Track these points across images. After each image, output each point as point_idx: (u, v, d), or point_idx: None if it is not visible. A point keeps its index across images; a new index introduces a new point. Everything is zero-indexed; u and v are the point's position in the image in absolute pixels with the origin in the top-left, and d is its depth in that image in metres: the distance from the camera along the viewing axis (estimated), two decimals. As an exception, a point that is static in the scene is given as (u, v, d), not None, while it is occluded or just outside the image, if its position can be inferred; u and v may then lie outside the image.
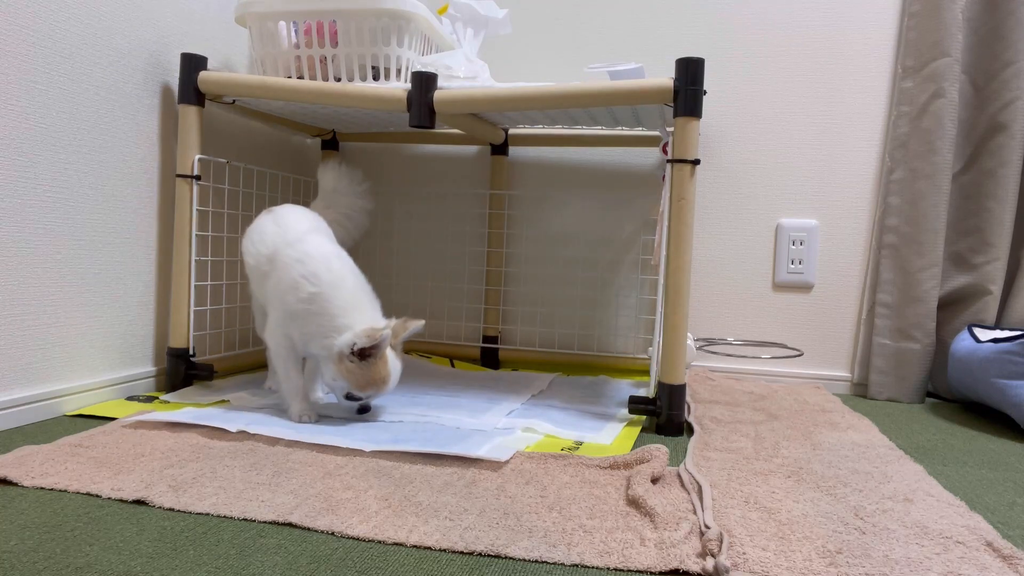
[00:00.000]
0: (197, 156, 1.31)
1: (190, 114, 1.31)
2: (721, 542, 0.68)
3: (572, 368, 1.67)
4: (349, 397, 1.11)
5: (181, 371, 1.30)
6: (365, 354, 1.06)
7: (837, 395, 1.56)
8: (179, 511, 0.76)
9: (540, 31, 1.73)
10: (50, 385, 1.13)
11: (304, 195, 1.73)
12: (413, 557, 0.68)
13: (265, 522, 0.74)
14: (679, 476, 0.92)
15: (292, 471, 0.88)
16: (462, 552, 0.69)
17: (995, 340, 1.34)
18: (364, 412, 1.15)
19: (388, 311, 1.16)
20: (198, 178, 1.31)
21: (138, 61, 1.27)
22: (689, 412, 1.25)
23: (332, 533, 0.72)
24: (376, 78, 1.35)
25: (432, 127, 1.27)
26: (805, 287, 1.65)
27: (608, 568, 0.67)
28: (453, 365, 1.69)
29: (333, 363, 1.07)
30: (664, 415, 1.16)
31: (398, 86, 1.29)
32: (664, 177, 1.19)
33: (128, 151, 1.26)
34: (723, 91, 1.64)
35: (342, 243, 1.24)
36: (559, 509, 0.79)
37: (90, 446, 0.95)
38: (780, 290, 1.66)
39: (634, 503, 0.80)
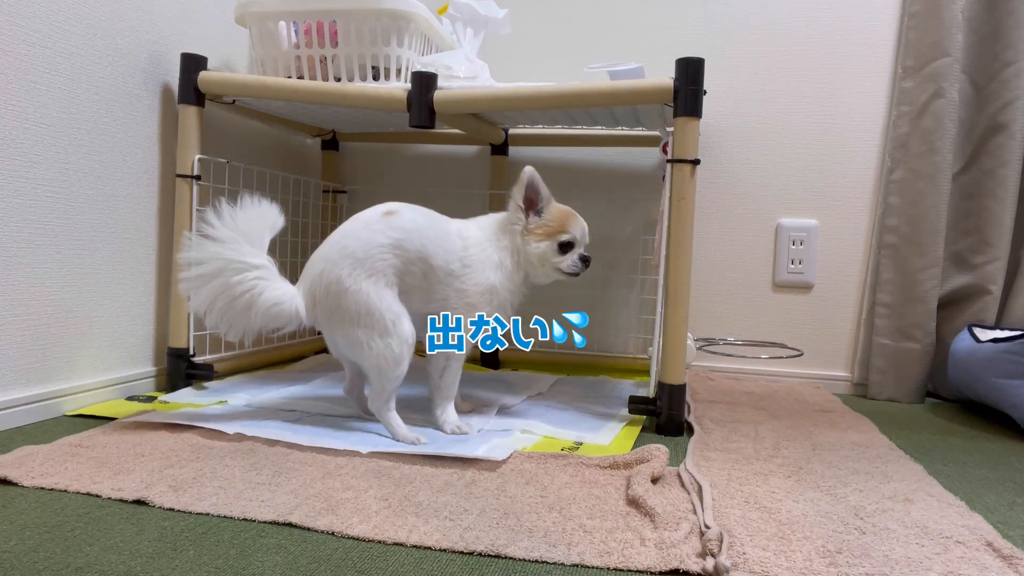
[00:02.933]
0: (197, 156, 1.31)
1: (190, 114, 1.31)
2: (721, 542, 0.68)
3: (572, 368, 1.67)
4: (564, 248, 1.15)
5: (181, 371, 1.30)
6: (534, 206, 1.14)
7: (837, 395, 1.56)
8: (179, 511, 0.76)
9: (540, 31, 1.73)
10: (50, 385, 1.13)
11: (304, 195, 1.73)
12: (413, 557, 0.68)
13: (265, 522, 0.74)
14: (679, 476, 0.92)
15: (292, 471, 0.88)
16: (462, 552, 0.69)
17: (995, 340, 1.34)
18: (587, 264, 1.17)
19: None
20: (198, 178, 1.31)
21: (138, 61, 1.27)
22: (689, 412, 1.25)
23: (332, 533, 0.72)
24: (376, 78, 1.35)
25: (432, 127, 1.27)
26: (805, 287, 1.65)
27: (608, 568, 0.67)
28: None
29: (531, 246, 1.13)
30: (664, 415, 1.16)
31: (398, 86, 1.29)
32: (664, 177, 1.19)
33: (128, 151, 1.26)
34: (723, 91, 1.64)
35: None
36: (559, 509, 0.79)
37: (90, 446, 0.95)
38: (780, 290, 1.66)
39: (634, 503, 0.80)
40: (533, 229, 1.14)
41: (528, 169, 1.13)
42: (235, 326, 1.01)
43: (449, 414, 1.10)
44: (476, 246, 1.12)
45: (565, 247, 1.15)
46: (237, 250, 0.99)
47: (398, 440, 1.03)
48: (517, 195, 1.14)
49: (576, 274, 1.17)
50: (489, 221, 1.17)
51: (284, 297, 1.02)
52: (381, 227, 1.05)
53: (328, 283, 1.03)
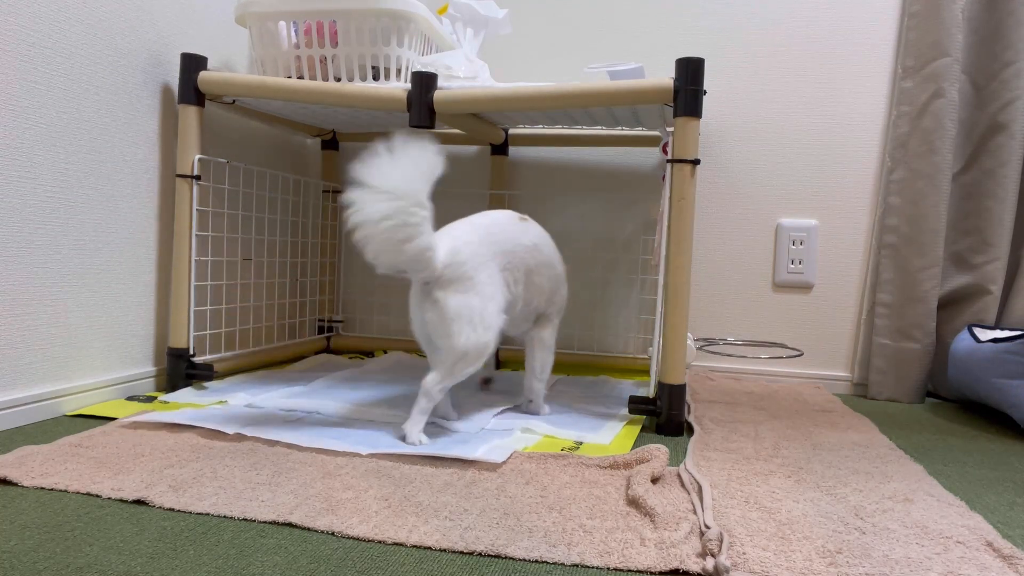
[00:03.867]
0: (197, 156, 1.31)
1: (190, 114, 1.31)
2: (721, 542, 0.68)
3: (572, 368, 1.67)
4: None
5: (181, 371, 1.30)
6: None
7: (837, 395, 1.56)
8: (179, 511, 0.76)
9: (540, 31, 1.73)
10: (50, 385, 1.13)
11: (304, 195, 1.73)
12: (413, 557, 0.68)
13: (265, 522, 0.74)
14: (679, 476, 0.92)
15: (292, 471, 0.88)
16: (462, 552, 0.69)
17: (995, 340, 1.34)
18: None
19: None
20: (198, 178, 1.31)
21: (138, 61, 1.27)
22: (689, 412, 1.25)
23: (332, 533, 0.72)
24: (376, 78, 1.35)
25: (432, 127, 1.27)
26: (805, 287, 1.65)
27: (608, 568, 0.67)
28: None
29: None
30: (664, 415, 1.16)
31: (398, 86, 1.29)
32: (664, 177, 1.19)
33: (128, 151, 1.26)
34: (723, 91, 1.64)
35: None
36: (559, 509, 0.79)
37: (90, 446, 0.95)
38: (780, 290, 1.66)
39: (634, 503, 0.80)
40: None
41: None
42: (380, 251, 0.98)
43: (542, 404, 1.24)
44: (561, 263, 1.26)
45: None
46: (417, 190, 0.98)
47: (405, 436, 1.03)
48: None
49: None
50: None
51: (435, 245, 1.02)
52: (522, 228, 1.16)
53: (464, 260, 1.04)
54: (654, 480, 0.88)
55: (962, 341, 1.44)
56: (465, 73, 1.33)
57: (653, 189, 1.68)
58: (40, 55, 1.09)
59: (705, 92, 1.15)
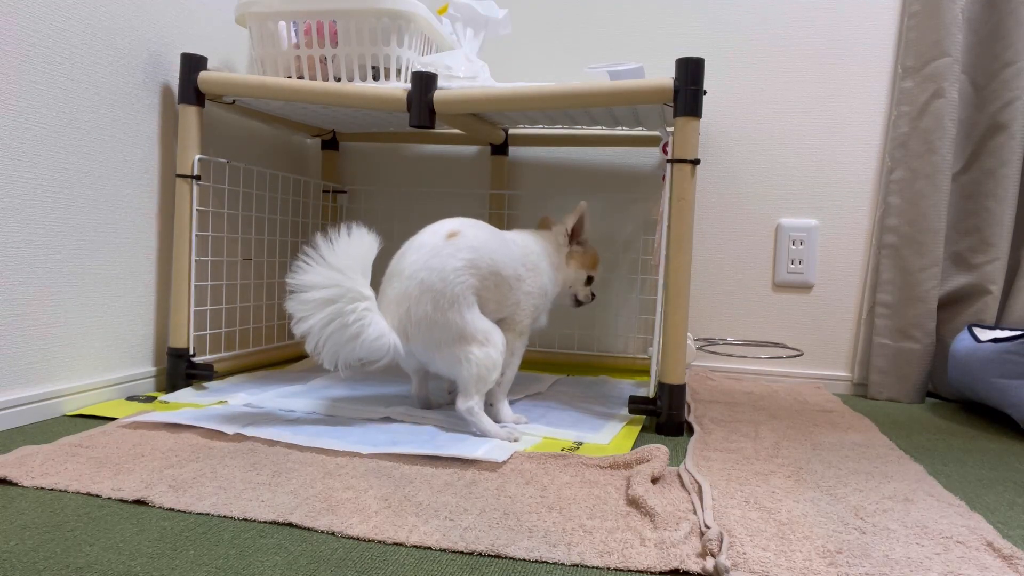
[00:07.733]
0: (197, 156, 1.31)
1: (190, 114, 1.31)
2: (721, 542, 0.68)
3: (572, 368, 1.67)
4: (588, 282, 1.29)
5: (181, 371, 1.30)
6: (577, 235, 1.27)
7: (837, 395, 1.56)
8: (179, 511, 0.76)
9: (540, 31, 1.73)
10: (50, 385, 1.13)
11: (304, 195, 1.73)
12: (413, 557, 0.68)
13: (265, 522, 0.74)
14: (679, 476, 0.92)
15: (292, 471, 0.88)
16: (462, 552, 0.69)
17: (995, 340, 1.34)
18: (594, 298, 1.32)
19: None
20: (198, 178, 1.31)
21: (138, 61, 1.27)
22: (689, 412, 1.25)
23: (332, 533, 0.72)
24: (376, 78, 1.35)
25: (432, 127, 1.27)
26: (805, 287, 1.65)
27: (608, 568, 0.67)
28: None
29: (570, 269, 1.26)
30: (664, 415, 1.16)
31: (398, 86, 1.29)
32: (664, 177, 1.19)
33: (128, 151, 1.26)
34: (723, 91, 1.64)
35: None
36: (559, 509, 0.79)
37: (90, 446, 0.95)
38: (780, 290, 1.66)
39: (634, 503, 0.80)
40: (576, 256, 1.27)
41: (583, 203, 1.27)
42: (337, 353, 1.01)
43: (507, 409, 1.17)
44: (533, 254, 1.20)
45: (589, 281, 1.30)
46: (354, 279, 1.01)
47: (491, 437, 1.06)
48: (569, 222, 1.26)
49: (582, 304, 1.32)
50: (535, 235, 1.25)
51: (386, 331, 1.04)
52: (450, 251, 1.08)
53: (417, 320, 1.06)
54: (654, 480, 0.88)
55: (962, 341, 1.44)
56: (465, 73, 1.33)
57: (653, 189, 1.68)
58: (40, 55, 1.09)
59: (705, 92, 1.15)
